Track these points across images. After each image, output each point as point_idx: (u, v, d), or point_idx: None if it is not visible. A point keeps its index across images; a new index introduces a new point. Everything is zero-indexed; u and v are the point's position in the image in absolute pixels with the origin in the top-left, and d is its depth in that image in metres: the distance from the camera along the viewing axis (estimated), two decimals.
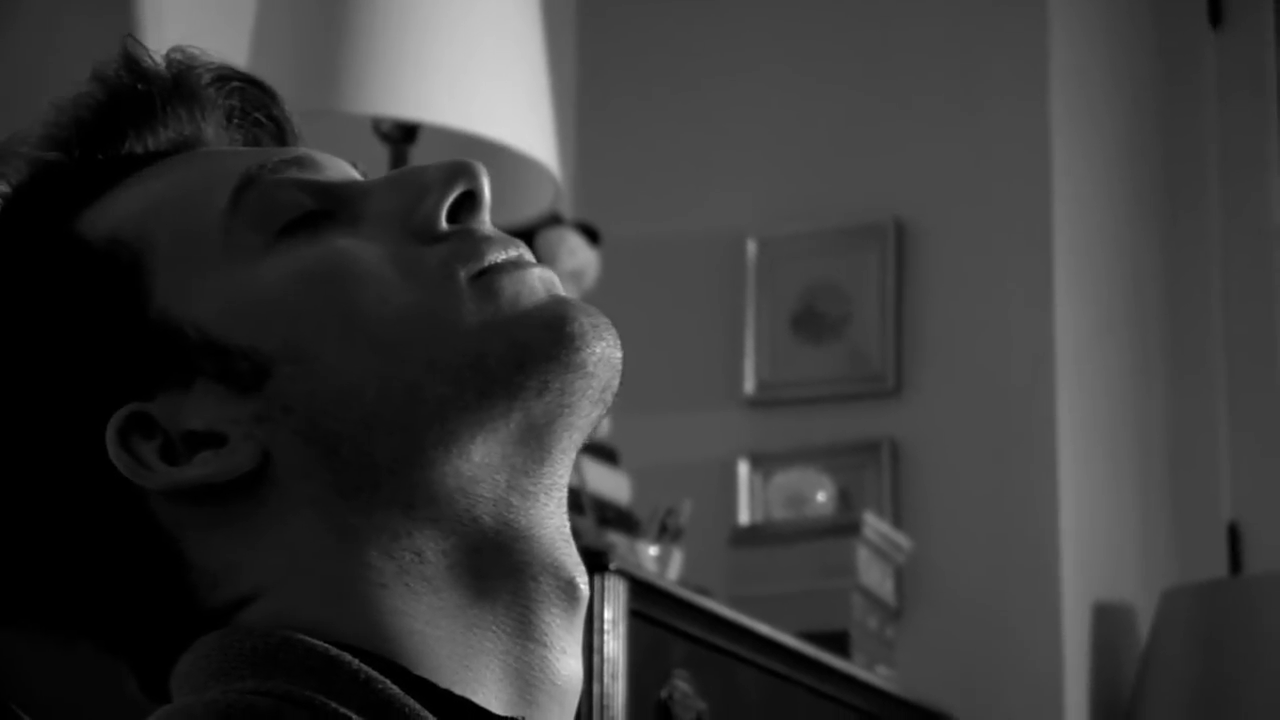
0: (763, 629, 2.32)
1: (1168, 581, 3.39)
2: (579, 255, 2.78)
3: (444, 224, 0.94)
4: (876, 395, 3.24)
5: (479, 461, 0.91)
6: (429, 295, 0.91)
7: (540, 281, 0.94)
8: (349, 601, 0.90)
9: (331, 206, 0.95)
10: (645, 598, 2.09)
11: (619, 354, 0.93)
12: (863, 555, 2.81)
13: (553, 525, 0.93)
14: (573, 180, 3.36)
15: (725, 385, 3.30)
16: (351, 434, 0.91)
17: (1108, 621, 3.27)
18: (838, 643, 2.69)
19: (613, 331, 0.93)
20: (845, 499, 3.06)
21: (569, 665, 0.94)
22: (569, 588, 0.93)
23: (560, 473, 0.94)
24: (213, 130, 1.02)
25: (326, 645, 0.88)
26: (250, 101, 1.03)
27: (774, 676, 2.36)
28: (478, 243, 0.93)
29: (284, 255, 0.93)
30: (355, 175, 0.99)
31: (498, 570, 0.92)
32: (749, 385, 3.30)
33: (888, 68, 3.35)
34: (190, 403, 0.93)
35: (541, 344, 0.91)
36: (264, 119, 1.04)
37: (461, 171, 0.95)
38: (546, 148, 2.43)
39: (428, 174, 0.95)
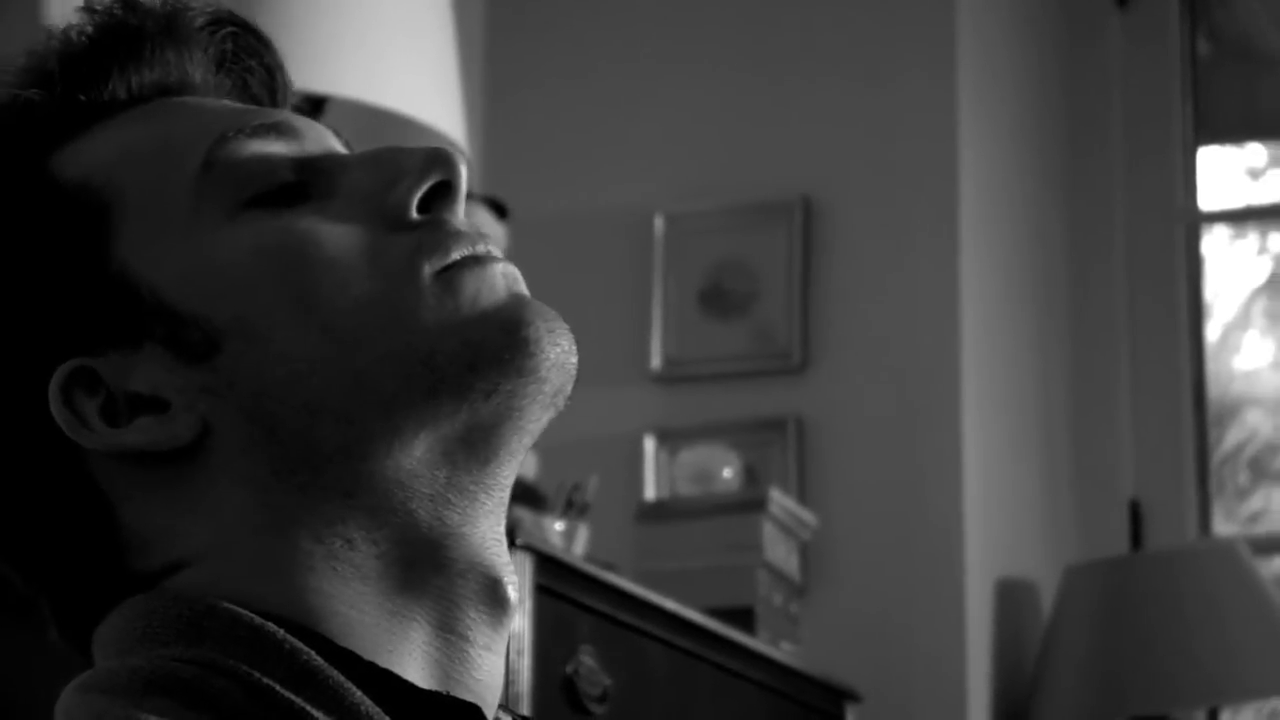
0: (669, 604, 2.33)
1: (1070, 558, 3.42)
2: (486, 230, 2.77)
3: (415, 213, 0.92)
4: (783, 372, 3.25)
5: (421, 457, 0.90)
6: (389, 287, 0.90)
7: (503, 279, 0.92)
8: (276, 578, 0.90)
9: (305, 179, 0.94)
10: (551, 573, 2.09)
11: (574, 359, 0.93)
12: (768, 531, 2.82)
13: (486, 525, 0.93)
14: (481, 155, 3.35)
15: (632, 361, 3.30)
16: (294, 418, 0.90)
17: (1011, 598, 3.29)
18: (743, 618, 2.69)
19: (569, 336, 0.93)
20: (751, 475, 3.07)
21: (490, 661, 0.93)
22: (495, 587, 0.93)
23: (504, 474, 0.93)
24: (200, 75, 1.00)
25: (252, 615, 0.88)
26: (243, 48, 1.02)
27: (680, 652, 2.36)
28: (445, 236, 0.92)
29: (249, 226, 0.92)
30: (335, 145, 0.98)
31: (426, 564, 0.91)
32: (656, 361, 3.30)
33: (796, 45, 3.36)
34: (137, 364, 0.92)
35: (494, 346, 0.90)
36: (256, 66, 1.02)
37: (439, 161, 0.93)
38: (453, 121, 2.42)
39: (405, 159, 0.94)
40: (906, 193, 3.26)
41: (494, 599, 0.93)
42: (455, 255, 0.92)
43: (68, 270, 0.93)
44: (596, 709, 2.13)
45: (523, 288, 0.94)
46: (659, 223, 3.32)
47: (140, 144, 0.95)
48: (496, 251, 0.94)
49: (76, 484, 0.93)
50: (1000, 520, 3.28)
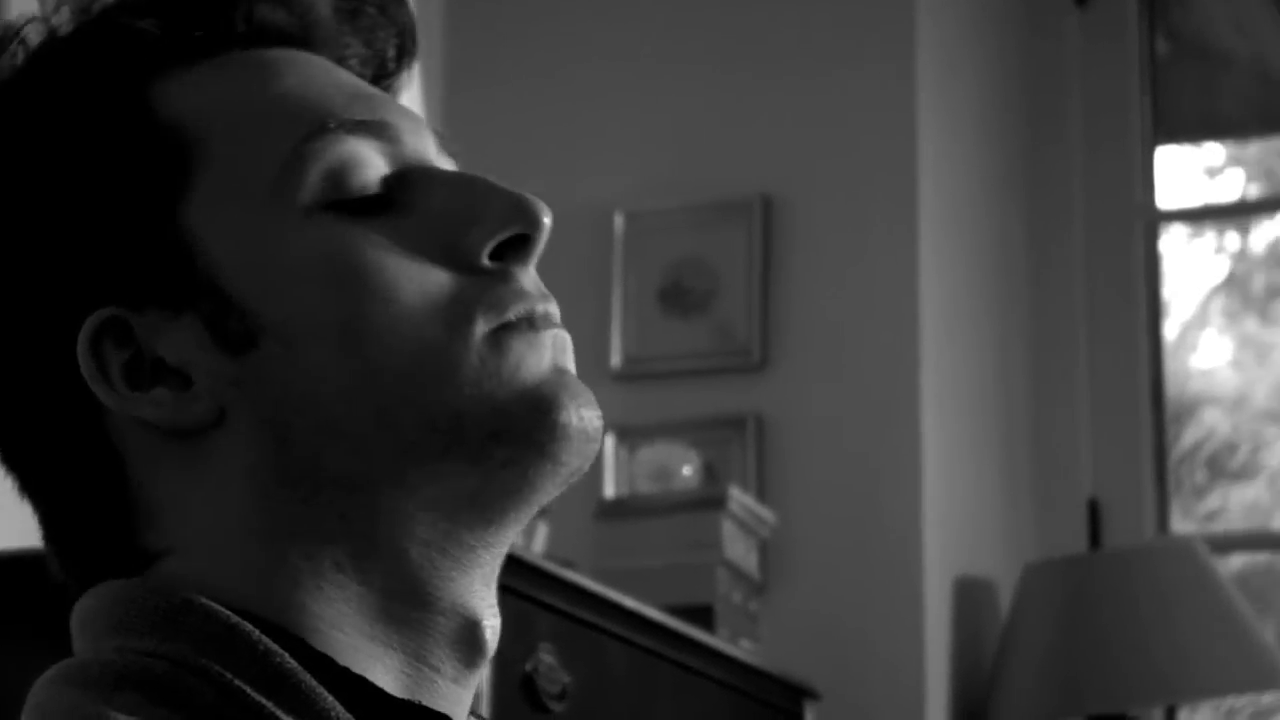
0: (628, 602, 2.32)
1: (1029, 556, 3.42)
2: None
3: (486, 259, 0.91)
4: (742, 370, 3.25)
5: (424, 505, 0.90)
6: (437, 335, 0.88)
7: (551, 350, 0.91)
8: (261, 585, 0.90)
9: (390, 191, 0.92)
10: (510, 571, 2.07)
11: (597, 445, 0.92)
12: (728, 529, 2.82)
13: (478, 574, 0.93)
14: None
15: (592, 358, 3.30)
16: (308, 435, 0.89)
17: (969, 595, 3.30)
18: (702, 616, 2.70)
19: (598, 421, 0.92)
20: (711, 473, 3.07)
21: (458, 694, 0.93)
22: (474, 630, 0.92)
23: (505, 536, 0.93)
24: (325, 24, 0.97)
25: (228, 613, 0.87)
26: (374, 1, 0.99)
27: (639, 650, 2.36)
28: (508, 293, 0.90)
29: (322, 231, 0.89)
30: (432, 151, 0.95)
31: (410, 600, 0.91)
32: (616, 359, 3.30)
33: (757, 44, 3.36)
34: (172, 332, 0.90)
35: (523, 423, 0.89)
36: (384, 21, 1.00)
37: (524, 213, 0.91)
38: None
39: (492, 201, 0.91)
40: (866, 191, 3.27)
41: (471, 641, 0.93)
42: (511, 315, 0.90)
43: (133, 213, 0.91)
44: (556, 707, 2.13)
45: (569, 360, 0.93)
46: (619, 220, 3.32)
47: (240, 105, 0.92)
48: (555, 314, 0.92)
49: (92, 432, 0.92)
50: (959, 518, 3.29)
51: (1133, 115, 3.73)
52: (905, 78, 3.28)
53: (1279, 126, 4.23)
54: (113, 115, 0.92)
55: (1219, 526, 4.23)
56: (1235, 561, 4.07)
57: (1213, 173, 4.33)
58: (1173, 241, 3.96)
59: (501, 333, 0.90)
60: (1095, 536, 3.58)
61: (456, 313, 0.89)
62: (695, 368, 3.27)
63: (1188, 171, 4.13)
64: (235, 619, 0.87)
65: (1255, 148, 4.38)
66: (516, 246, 0.92)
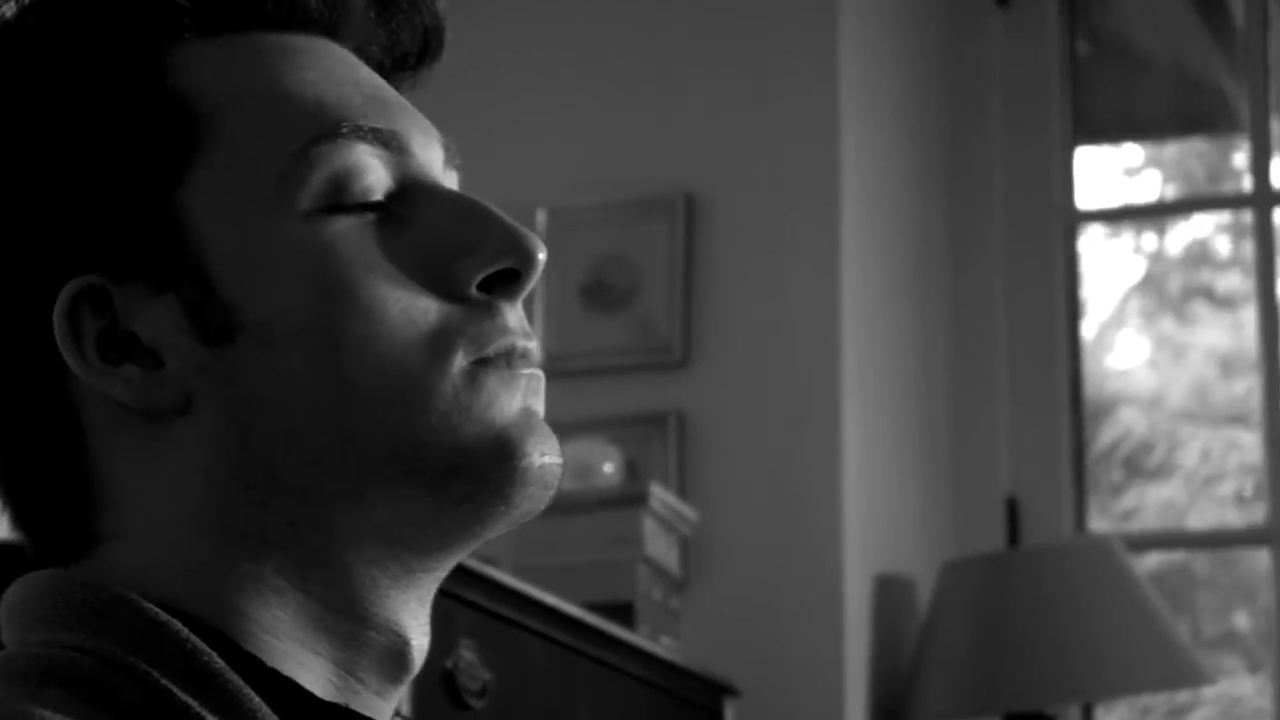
0: (549, 599, 2.32)
1: (947, 554, 3.44)
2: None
3: (474, 290, 0.90)
4: (664, 367, 3.25)
5: (374, 525, 0.89)
6: (416, 361, 0.88)
7: (522, 394, 0.91)
8: (200, 585, 0.89)
9: (392, 203, 0.91)
10: None
11: (551, 492, 0.92)
12: (649, 526, 2.82)
13: (414, 595, 0.92)
14: None
15: None
16: (270, 439, 0.88)
17: (888, 593, 3.31)
18: (623, 613, 2.70)
19: (558, 471, 0.92)
20: (632, 470, 3.07)
21: (381, 706, 0.93)
22: (403, 648, 0.92)
23: (448, 564, 0.93)
24: (354, 12, 0.96)
25: (157, 610, 0.87)
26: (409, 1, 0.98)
27: (559, 646, 2.36)
28: (491, 328, 0.90)
29: (315, 236, 0.89)
30: (438, 168, 0.95)
31: (344, 612, 0.91)
32: None
33: (680, 41, 3.36)
34: (151, 309, 0.89)
35: (483, 464, 0.89)
36: (413, 17, 0.99)
37: (519, 248, 0.91)
38: None
39: (488, 230, 0.91)
40: (788, 189, 3.28)
41: (398, 659, 0.92)
42: (491, 351, 0.90)
43: (131, 181, 0.89)
44: (476, 703, 2.12)
45: (539, 402, 0.93)
46: (541, 216, 3.32)
47: (256, 90, 0.91)
48: (535, 353, 0.92)
49: (56, 398, 0.91)
50: (879, 516, 3.30)
51: (1053, 115, 3.75)
52: (828, 76, 3.28)
53: (1196, 128, 4.26)
54: (124, 73, 0.90)
55: (1135, 525, 4.26)
56: (1151, 560, 4.10)
57: (1131, 173, 4.36)
58: (1091, 241, 3.99)
59: (479, 368, 0.90)
60: (1013, 535, 3.60)
61: (438, 342, 0.89)
62: (617, 365, 3.27)
63: (1106, 172, 4.16)
64: (164, 617, 0.86)
65: (1173, 149, 4.41)
66: (506, 280, 0.91)
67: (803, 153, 3.28)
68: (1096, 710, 3.73)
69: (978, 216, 3.70)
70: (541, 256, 0.91)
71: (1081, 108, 3.85)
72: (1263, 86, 3.73)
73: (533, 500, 0.91)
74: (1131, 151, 4.29)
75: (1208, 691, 4.05)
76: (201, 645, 0.86)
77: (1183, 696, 4.20)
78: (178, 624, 0.86)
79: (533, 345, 0.92)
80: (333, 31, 0.96)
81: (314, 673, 0.90)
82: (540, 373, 0.93)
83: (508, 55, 3.43)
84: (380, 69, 0.98)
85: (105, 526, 0.91)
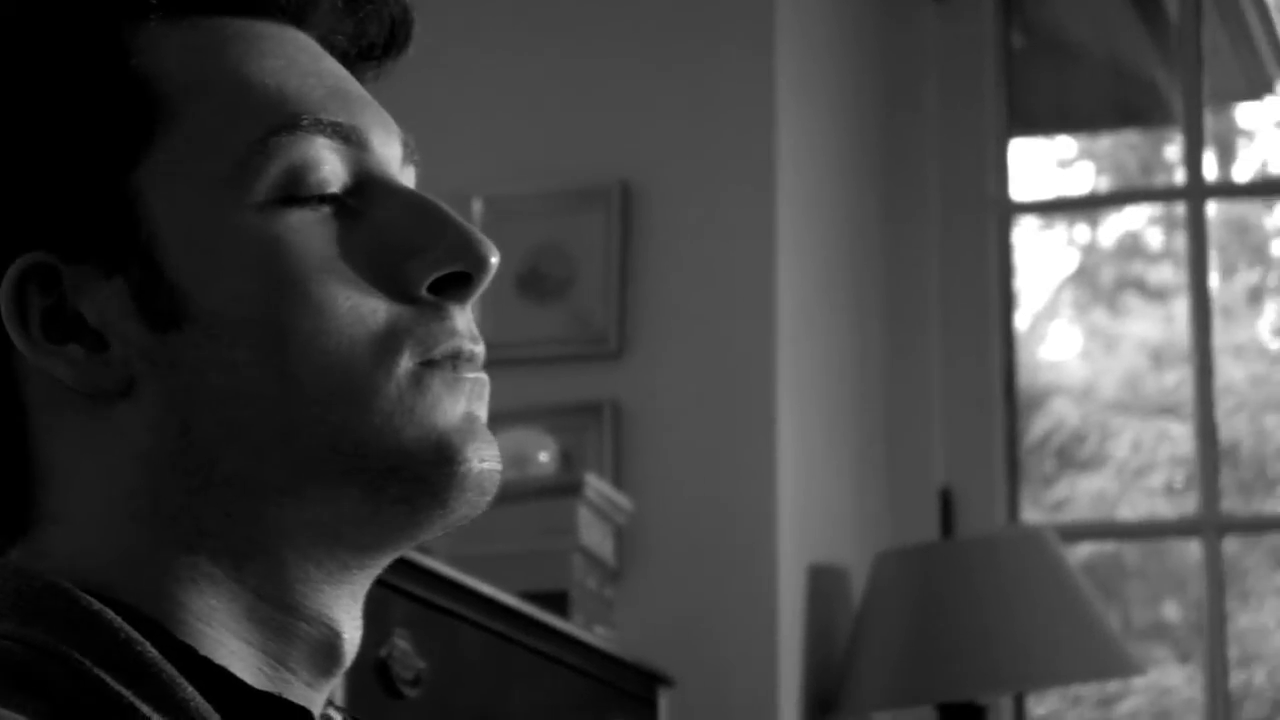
0: (483, 588, 2.32)
1: (881, 544, 3.45)
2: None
3: (424, 291, 0.90)
4: (599, 357, 3.25)
5: (310, 520, 0.89)
6: (362, 359, 0.88)
7: (466, 399, 0.91)
8: (135, 573, 0.89)
9: (347, 198, 0.91)
10: None
11: (489, 498, 0.92)
12: (584, 516, 2.82)
13: (347, 590, 0.92)
14: None
15: None
16: (210, 429, 0.88)
17: (822, 584, 3.32)
18: (557, 602, 2.69)
19: (496, 478, 0.92)
20: (567, 460, 3.07)
21: (312, 697, 0.93)
22: (335, 641, 0.92)
23: (382, 562, 0.93)
24: (325, 1, 0.95)
25: (90, 599, 0.86)
26: None
27: (494, 636, 2.36)
28: (439, 330, 0.90)
29: (267, 228, 0.88)
30: (396, 164, 0.95)
31: (278, 605, 0.91)
32: None
33: (616, 30, 3.36)
34: (98, 291, 0.89)
35: (422, 466, 0.89)
36: (380, 8, 0.99)
37: (471, 252, 0.91)
38: None
39: (441, 233, 0.91)
40: (724, 179, 3.28)
41: (329, 652, 0.92)
42: (437, 354, 0.90)
43: (86, 160, 0.88)
44: (410, 692, 2.12)
45: (483, 407, 0.92)
46: (477, 205, 3.31)
47: (218, 75, 0.90)
48: (481, 356, 0.92)
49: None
50: (813, 506, 3.31)
51: (987, 107, 3.76)
52: (764, 66, 3.29)
53: (1130, 120, 4.29)
54: (86, 51, 0.90)
55: (1067, 516, 4.28)
56: (1082, 550, 4.12)
57: (1064, 165, 4.38)
58: (1024, 233, 4.01)
59: (424, 370, 0.89)
60: (947, 525, 3.62)
61: (386, 342, 0.89)
62: (552, 354, 3.27)
63: (1040, 163, 4.18)
64: (97, 606, 0.86)
65: (1106, 141, 4.44)
66: (457, 282, 0.91)
67: (738, 143, 3.28)
68: (1028, 700, 3.75)
69: (913, 207, 3.71)
70: (494, 261, 0.91)
71: (1016, 100, 3.86)
72: (1196, 79, 3.75)
73: (470, 505, 0.91)
74: (1065, 144, 4.31)
75: (1138, 681, 4.08)
76: (135, 634, 0.86)
77: (1113, 686, 4.23)
78: (111, 613, 0.86)
79: (479, 350, 0.92)
80: (299, 19, 0.95)
81: (245, 662, 0.90)
82: (485, 377, 0.93)
83: (443, 45, 3.42)
84: (345, 59, 0.98)
85: (43, 508, 0.91)
